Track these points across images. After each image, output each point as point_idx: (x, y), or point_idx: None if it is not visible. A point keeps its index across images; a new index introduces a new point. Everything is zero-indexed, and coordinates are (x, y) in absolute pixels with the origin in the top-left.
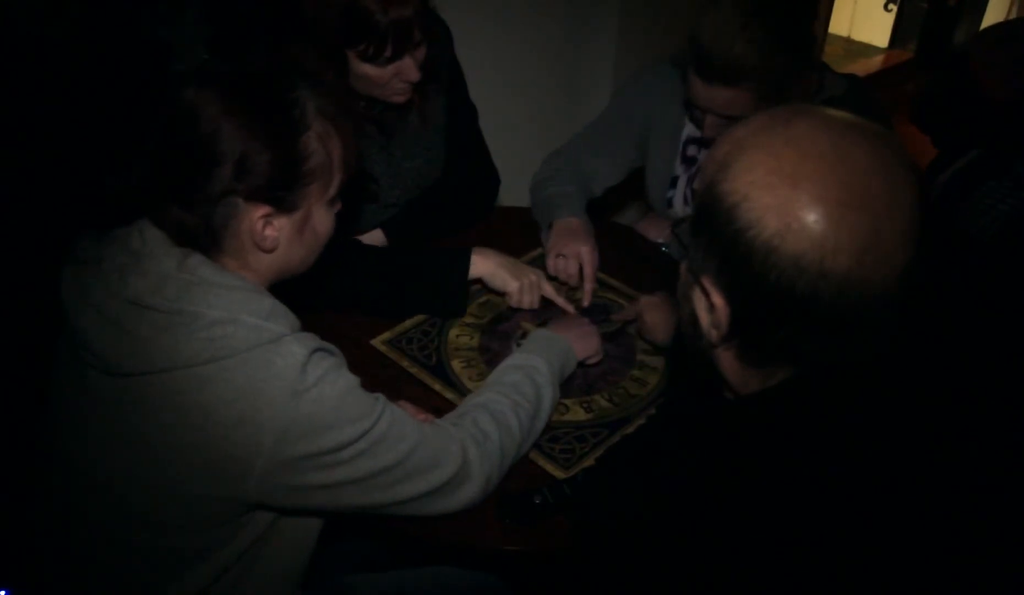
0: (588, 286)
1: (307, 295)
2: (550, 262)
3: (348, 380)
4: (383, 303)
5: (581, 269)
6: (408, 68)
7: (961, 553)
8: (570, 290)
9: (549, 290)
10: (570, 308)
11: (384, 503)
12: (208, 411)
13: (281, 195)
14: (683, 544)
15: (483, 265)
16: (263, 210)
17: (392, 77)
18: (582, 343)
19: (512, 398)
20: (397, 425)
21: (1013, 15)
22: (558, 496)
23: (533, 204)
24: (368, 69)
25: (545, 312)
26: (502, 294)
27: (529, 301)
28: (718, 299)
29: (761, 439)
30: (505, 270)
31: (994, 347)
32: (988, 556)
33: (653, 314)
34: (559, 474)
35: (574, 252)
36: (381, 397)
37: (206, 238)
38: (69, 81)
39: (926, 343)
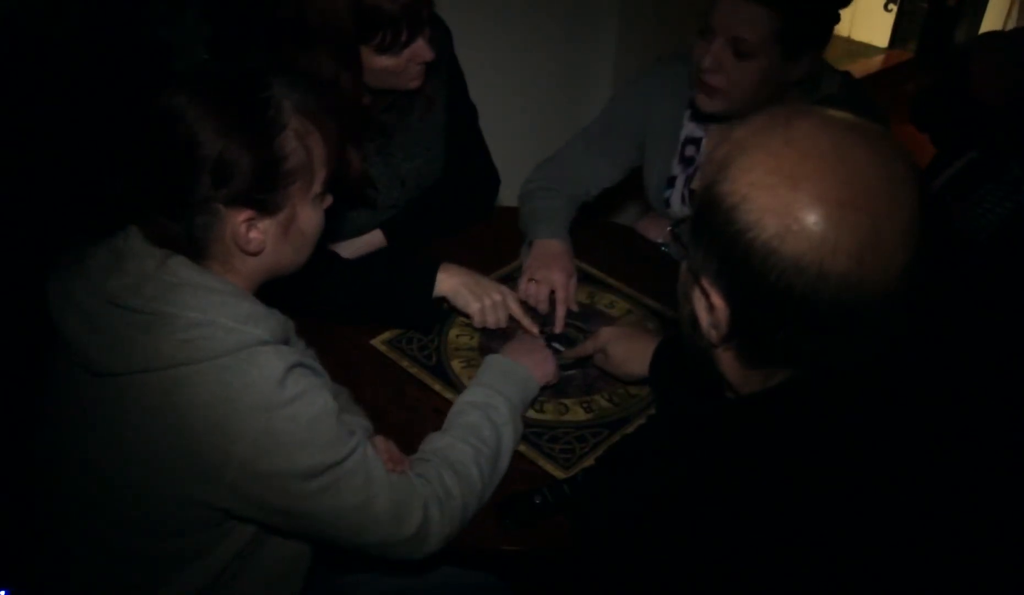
0: (560, 312)
1: (280, 306)
2: (522, 285)
3: (327, 404)
4: (351, 316)
5: (553, 293)
6: (421, 49)
7: (961, 553)
8: (538, 316)
9: (516, 310)
10: (534, 330)
11: (344, 543)
12: (183, 414)
13: (262, 197)
14: (683, 544)
15: (447, 283)
16: (245, 214)
17: (407, 62)
18: (541, 368)
19: (473, 445)
20: (367, 466)
21: (1013, 15)
22: (558, 496)
23: (520, 214)
24: (385, 60)
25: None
26: (466, 315)
27: (494, 321)
28: (717, 300)
29: (761, 439)
30: (468, 290)
31: (994, 348)
32: (988, 556)
33: (620, 347)
34: (559, 474)
35: (547, 279)
36: (358, 433)
37: (190, 245)
38: (69, 81)
39: (926, 343)
